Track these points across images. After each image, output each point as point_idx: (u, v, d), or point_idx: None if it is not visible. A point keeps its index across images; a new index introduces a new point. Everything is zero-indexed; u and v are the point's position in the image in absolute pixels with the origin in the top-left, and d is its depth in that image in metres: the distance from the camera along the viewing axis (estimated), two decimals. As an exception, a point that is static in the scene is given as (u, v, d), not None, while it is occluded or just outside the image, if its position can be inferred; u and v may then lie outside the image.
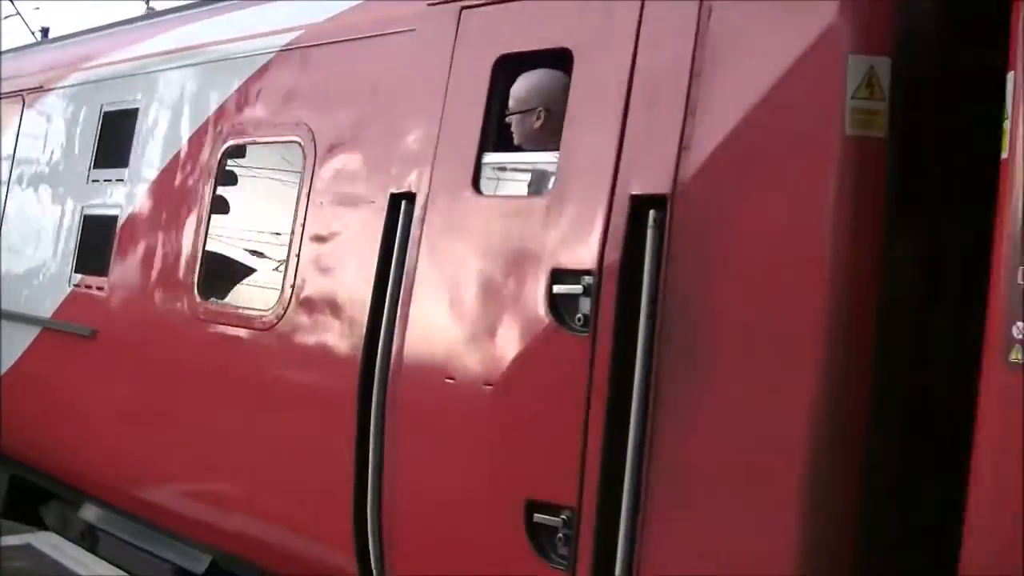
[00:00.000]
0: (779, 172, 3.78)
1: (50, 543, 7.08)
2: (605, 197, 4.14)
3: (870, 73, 3.67)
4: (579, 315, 4.18)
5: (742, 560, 3.78)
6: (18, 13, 26.31)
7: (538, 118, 4.50)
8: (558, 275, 4.26)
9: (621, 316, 4.04)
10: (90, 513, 6.88)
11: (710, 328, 3.86)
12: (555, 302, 4.26)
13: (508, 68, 4.65)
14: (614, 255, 4.09)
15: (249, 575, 5.84)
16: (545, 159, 4.43)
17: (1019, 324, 3.29)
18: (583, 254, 4.18)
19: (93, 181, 7.01)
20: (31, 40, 23.53)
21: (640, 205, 4.04)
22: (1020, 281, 3.31)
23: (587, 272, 4.15)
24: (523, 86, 4.56)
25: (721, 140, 3.88)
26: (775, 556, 3.70)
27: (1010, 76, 3.42)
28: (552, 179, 4.37)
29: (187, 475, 6.02)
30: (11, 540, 7.10)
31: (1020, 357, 3.30)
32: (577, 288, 4.18)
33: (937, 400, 3.80)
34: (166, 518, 6.21)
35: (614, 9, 4.28)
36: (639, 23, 4.19)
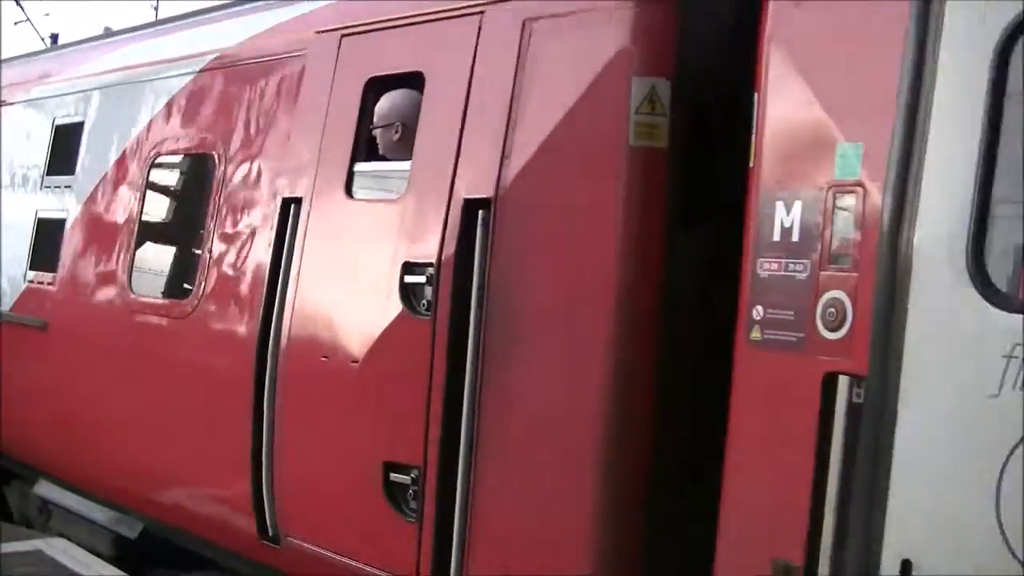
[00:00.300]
0: (576, 178, 4.43)
1: (60, 548, 7.16)
2: (445, 200, 4.81)
3: (651, 92, 4.31)
4: (424, 301, 4.85)
5: (552, 519, 4.42)
6: (28, 19, 26.10)
7: (396, 132, 5.17)
8: (408, 267, 4.93)
9: (456, 302, 4.71)
10: (43, 489, 7.58)
11: (521, 315, 4.51)
12: (406, 291, 4.93)
13: (376, 88, 5.32)
14: (450, 250, 4.76)
15: (176, 539, 6.53)
16: (402, 168, 5.10)
17: (758, 308, 3.93)
18: (427, 249, 4.85)
19: (46, 187, 7.74)
20: (41, 46, 24.10)
21: (471, 207, 4.71)
22: (759, 272, 3.95)
23: (429, 264, 4.83)
24: (385, 104, 5.23)
25: (532, 150, 4.54)
26: (576, 520, 4.33)
27: (756, 96, 4.07)
28: (405, 185, 5.05)
29: (122, 448, 6.71)
30: (20, 546, 7.23)
31: (759, 335, 3.93)
32: (422, 278, 4.86)
33: (720, 390, 4.39)
34: (106, 488, 6.91)
35: (457, 37, 4.95)
36: (475, 49, 4.85)
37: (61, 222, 7.42)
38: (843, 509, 3.57)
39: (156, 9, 34.62)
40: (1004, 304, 3.22)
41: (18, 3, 25.11)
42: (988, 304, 3.24)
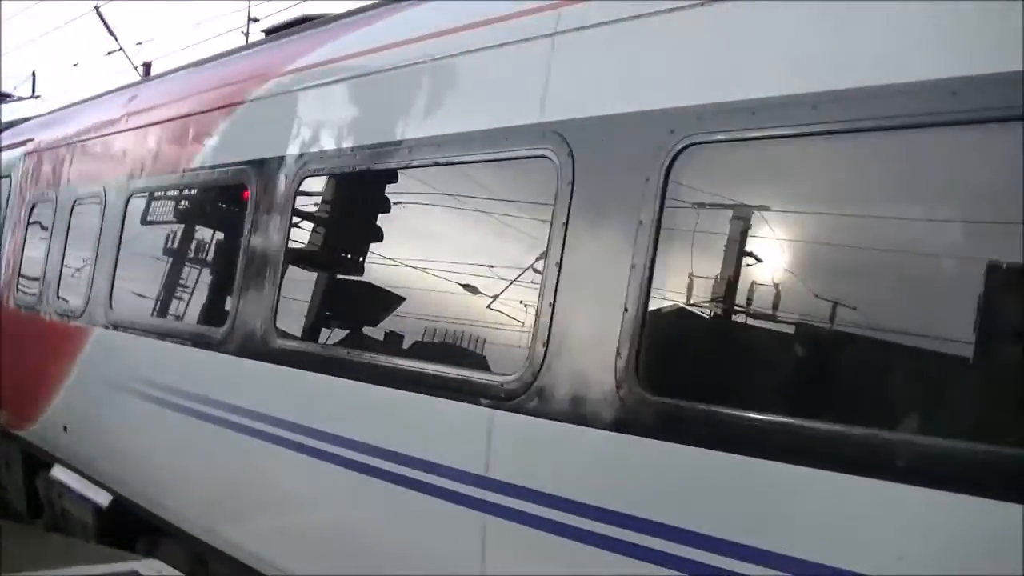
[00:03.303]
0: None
1: (155, 569, 7.30)
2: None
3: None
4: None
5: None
6: (121, 48, 26.90)
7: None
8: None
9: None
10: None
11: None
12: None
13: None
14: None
15: None
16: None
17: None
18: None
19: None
20: (134, 76, 24.82)
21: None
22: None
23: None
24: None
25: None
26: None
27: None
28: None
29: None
30: (116, 567, 7.36)
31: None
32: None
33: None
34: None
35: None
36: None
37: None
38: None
39: (247, 35, 31.08)
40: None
41: (110, 32, 26.01)
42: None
